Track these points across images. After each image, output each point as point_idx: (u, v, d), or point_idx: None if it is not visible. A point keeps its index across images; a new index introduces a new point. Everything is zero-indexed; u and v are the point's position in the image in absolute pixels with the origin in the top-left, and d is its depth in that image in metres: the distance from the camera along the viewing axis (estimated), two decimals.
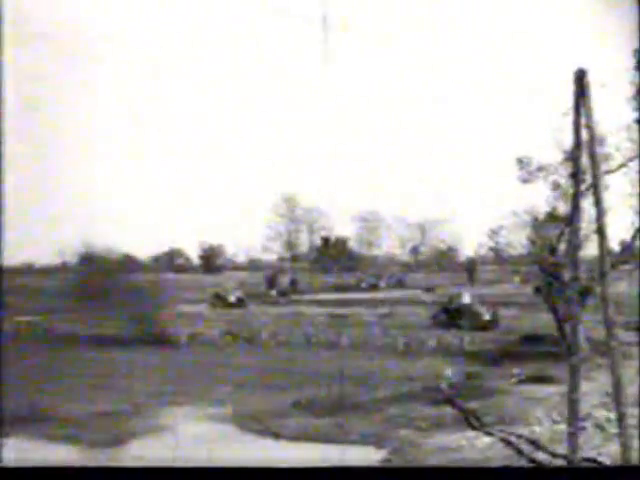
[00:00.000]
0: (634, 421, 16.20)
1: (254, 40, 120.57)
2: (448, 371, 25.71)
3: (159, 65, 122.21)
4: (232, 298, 58.75)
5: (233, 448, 17.36)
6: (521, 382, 24.77)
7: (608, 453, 14.57)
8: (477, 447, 16.28)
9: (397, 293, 72.40)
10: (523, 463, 14.46)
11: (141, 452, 16.74)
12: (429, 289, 77.27)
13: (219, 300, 58.51)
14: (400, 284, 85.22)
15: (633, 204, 26.18)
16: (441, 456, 15.45)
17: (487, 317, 42.33)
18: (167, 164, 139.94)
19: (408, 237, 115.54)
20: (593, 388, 20.59)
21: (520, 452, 15.41)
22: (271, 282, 76.88)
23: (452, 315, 42.81)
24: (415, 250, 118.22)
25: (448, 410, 20.59)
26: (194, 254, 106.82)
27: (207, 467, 11.48)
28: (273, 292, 73.14)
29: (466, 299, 44.11)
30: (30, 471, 11.77)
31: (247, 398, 22.72)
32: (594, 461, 14.16)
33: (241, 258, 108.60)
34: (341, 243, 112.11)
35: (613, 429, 15.14)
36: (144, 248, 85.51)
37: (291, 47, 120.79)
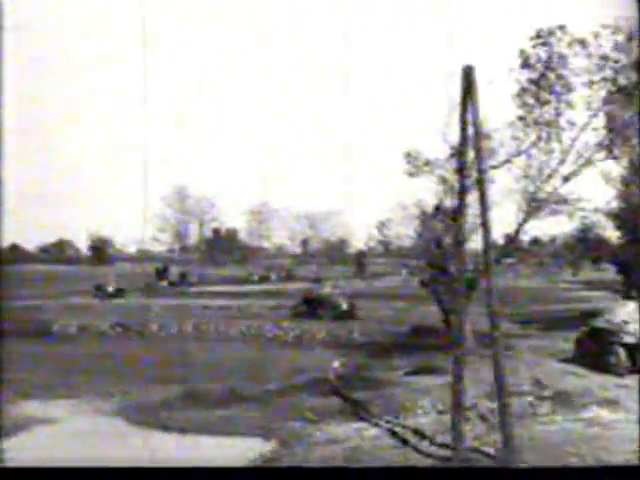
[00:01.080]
0: (514, 411, 16.66)
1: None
2: (336, 363, 25.89)
3: None
4: (110, 289, 58.65)
5: (120, 441, 17.14)
6: (408, 373, 25.10)
7: (491, 443, 14.85)
8: (365, 438, 16.44)
9: (287, 285, 72.47)
10: (408, 453, 14.67)
11: (21, 445, 16.37)
12: (318, 280, 77.72)
13: (99, 291, 58.25)
14: (290, 276, 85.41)
15: (517, 199, 26.81)
16: (329, 447, 15.54)
17: (345, 307, 44.03)
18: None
19: (299, 229, 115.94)
20: (478, 379, 21.00)
21: (406, 442, 15.61)
22: (161, 274, 76.08)
23: (312, 305, 44.34)
24: (305, 242, 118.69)
25: (336, 401, 20.73)
26: (84, 245, 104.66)
27: (207, 467, 11.39)
28: (164, 284, 72.44)
29: (325, 290, 45.73)
30: (30, 471, 11.67)
31: (136, 390, 22.45)
32: (477, 450, 14.42)
33: (131, 249, 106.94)
34: (232, 235, 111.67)
35: (496, 419, 15.44)
36: (32, 239, 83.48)
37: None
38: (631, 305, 27.31)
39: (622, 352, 24.74)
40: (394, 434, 16.49)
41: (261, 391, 22.37)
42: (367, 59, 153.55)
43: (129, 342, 34.28)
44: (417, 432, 16.49)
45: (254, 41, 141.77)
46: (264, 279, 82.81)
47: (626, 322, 25.64)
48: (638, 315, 26.06)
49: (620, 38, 25.37)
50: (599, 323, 26.71)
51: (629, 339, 24.85)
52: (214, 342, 34.01)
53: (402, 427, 17.08)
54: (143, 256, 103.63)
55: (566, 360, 27.10)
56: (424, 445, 15.32)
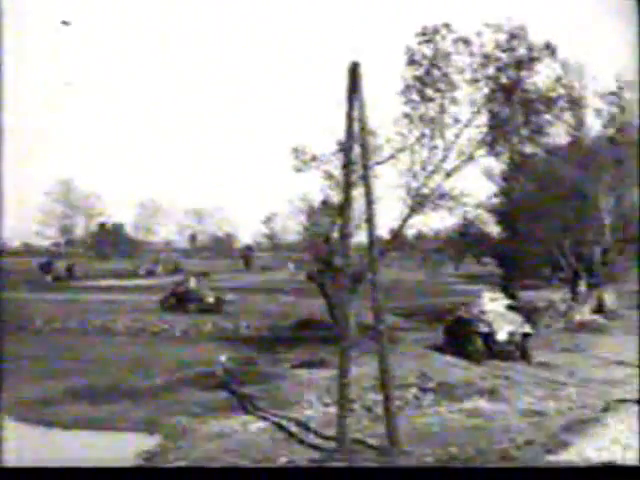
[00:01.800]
0: (400, 403, 16.96)
1: None
2: (223, 357, 25.82)
3: None
4: None
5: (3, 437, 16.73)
6: (295, 367, 25.23)
7: (375, 434, 15.06)
8: (251, 431, 16.46)
9: (174, 279, 71.86)
10: (294, 446, 14.75)
11: None
12: (203, 274, 77.38)
13: None
14: (177, 270, 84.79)
15: (401, 194, 27.19)
16: (215, 441, 15.51)
17: (211, 300, 44.93)
18: None
19: (186, 224, 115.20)
20: (363, 372, 21.26)
21: (292, 435, 15.70)
22: (45, 268, 74.44)
23: (180, 299, 45.07)
24: (193, 237, 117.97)
25: (223, 395, 20.70)
26: None
27: (208, 467, 11.11)
28: (48, 278, 70.97)
29: (192, 284, 46.52)
30: (30, 471, 11.36)
31: (20, 386, 21.94)
32: (362, 442, 14.60)
33: (15, 243, 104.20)
34: (118, 229, 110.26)
35: (380, 411, 15.67)
36: None
37: None
38: (489, 295, 29.15)
39: (479, 340, 26.49)
40: (280, 427, 16.56)
41: (147, 386, 22.16)
42: (254, 54, 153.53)
43: (12, 337, 33.43)
44: (303, 425, 16.60)
45: (135, 38, 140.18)
46: (151, 273, 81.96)
47: (483, 312, 27.55)
48: (495, 305, 28.27)
49: (502, 37, 26.00)
50: (460, 313, 28.83)
51: (484, 328, 26.65)
52: (99, 337, 33.51)
53: (288, 420, 17.17)
54: (28, 250, 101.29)
55: (437, 348, 28.63)
56: (310, 437, 15.43)
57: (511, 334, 26.84)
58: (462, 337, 27.51)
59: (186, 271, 73.60)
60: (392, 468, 10.14)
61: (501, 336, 26.74)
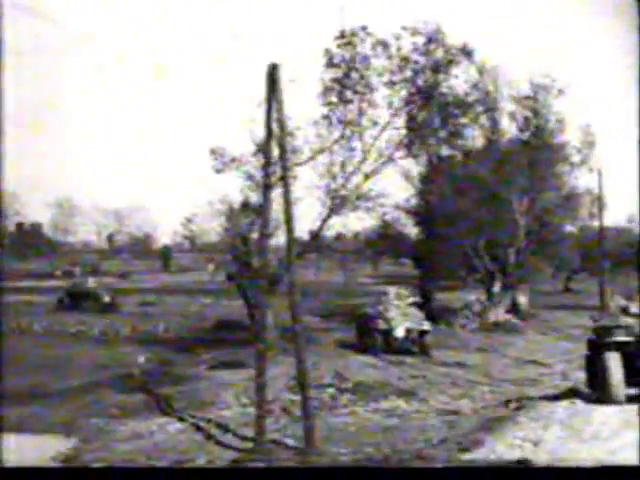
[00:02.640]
0: (317, 403, 17.08)
1: None
2: (141, 358, 25.64)
3: None
4: None
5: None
6: (213, 368, 25.18)
7: (293, 435, 15.12)
8: (168, 432, 16.40)
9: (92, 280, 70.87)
10: (212, 447, 14.74)
11: None
12: (123, 276, 76.64)
13: None
14: (95, 271, 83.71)
15: (320, 195, 27.36)
16: (132, 442, 15.41)
17: (107, 300, 45.91)
18: None
19: (104, 224, 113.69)
20: (281, 372, 21.35)
21: (210, 436, 15.69)
22: None
23: (76, 298, 45.84)
24: (111, 237, 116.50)
25: (141, 397, 20.55)
26: None
27: (208, 467, 10.86)
28: None
29: (89, 284, 46.96)
30: (30, 471, 11.00)
31: None
32: (279, 443, 14.65)
33: None
34: (36, 229, 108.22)
35: (297, 411, 15.76)
36: None
37: None
38: (394, 293, 30.79)
39: (378, 336, 28.26)
40: (198, 428, 16.53)
41: (64, 387, 21.87)
42: (172, 53, 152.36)
43: None
44: (220, 426, 16.60)
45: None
46: (68, 274, 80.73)
47: (386, 309, 29.19)
48: (398, 302, 29.91)
49: (420, 40, 26.34)
50: (366, 310, 30.55)
51: (383, 325, 28.35)
52: (15, 338, 32.92)
53: (206, 421, 17.14)
54: None
55: (348, 345, 29.80)
56: (228, 438, 15.44)
57: (409, 331, 28.50)
58: (365, 333, 29.31)
59: (104, 272, 72.85)
60: (391, 468, 10.16)
61: (398, 333, 28.39)
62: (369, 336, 28.93)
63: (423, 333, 28.72)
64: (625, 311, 17.82)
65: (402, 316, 28.95)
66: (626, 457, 11.99)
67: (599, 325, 17.54)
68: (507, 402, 18.95)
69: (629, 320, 17.15)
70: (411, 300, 30.76)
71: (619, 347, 16.45)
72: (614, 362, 16.27)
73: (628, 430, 13.93)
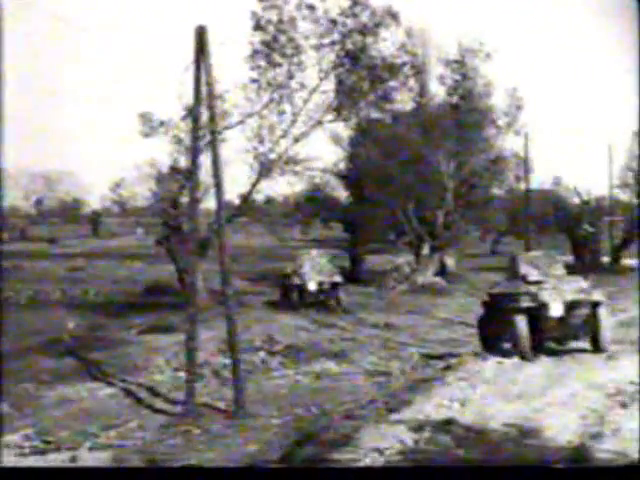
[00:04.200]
0: (246, 366, 17.18)
1: None
2: (70, 323, 25.44)
3: None
4: None
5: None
6: (143, 332, 25.09)
7: (223, 397, 15.20)
8: (98, 397, 16.34)
9: (20, 246, 69.82)
10: (143, 410, 14.76)
11: None
12: (52, 241, 75.65)
13: None
14: (24, 236, 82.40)
15: (249, 159, 27.33)
16: (61, 408, 15.32)
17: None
18: None
19: (32, 189, 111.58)
20: (212, 336, 21.38)
21: (140, 401, 15.68)
22: None
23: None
24: (39, 202, 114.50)
25: (70, 362, 20.40)
26: None
27: (208, 467, 10.66)
28: None
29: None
30: (30, 471, 10.72)
31: None
32: (210, 406, 14.71)
33: None
34: None
35: (228, 374, 15.83)
36: None
37: None
38: (312, 252, 33.93)
39: (295, 293, 31.13)
40: (129, 393, 16.51)
41: None
42: (101, 18, 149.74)
43: None
44: (151, 390, 16.60)
45: None
46: None
47: (300, 265, 31.67)
48: (315, 259, 32.41)
49: (345, 3, 26.38)
50: (285, 270, 32.79)
51: (297, 280, 31.10)
52: None
53: (136, 385, 17.12)
54: None
55: (277, 308, 30.77)
56: (158, 402, 15.45)
57: (320, 284, 31.13)
58: (285, 290, 31.87)
59: (33, 237, 71.84)
60: (391, 467, 10.22)
61: (311, 286, 31.01)
62: (288, 293, 31.59)
63: (335, 286, 31.41)
64: (524, 279, 18.91)
65: (314, 271, 31.31)
66: (551, 414, 12.34)
67: (503, 291, 19.41)
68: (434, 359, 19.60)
69: (531, 288, 18.55)
70: (330, 255, 34.10)
71: (523, 311, 18.24)
72: (522, 324, 18.07)
73: (553, 389, 14.34)
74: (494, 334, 19.63)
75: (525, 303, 18.31)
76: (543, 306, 18.33)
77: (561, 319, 18.44)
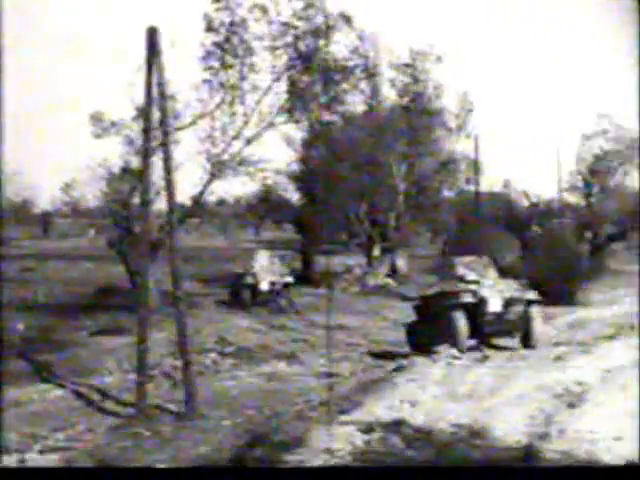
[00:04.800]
0: (197, 368, 17.17)
1: None
2: (20, 325, 25.18)
3: None
4: None
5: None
6: (94, 334, 24.92)
7: (174, 399, 15.18)
8: (48, 399, 16.24)
9: None
10: (92, 413, 14.69)
11: None
12: (0, 242, 74.70)
13: None
14: None
15: (201, 160, 27.26)
16: (11, 411, 15.17)
17: None
18: None
19: None
20: (163, 338, 21.30)
21: (90, 403, 15.61)
22: None
23: None
24: None
25: (20, 364, 20.20)
26: None
27: (209, 467, 10.50)
28: None
29: None
30: (30, 471, 10.69)
31: None
32: (161, 408, 14.68)
33: None
34: None
35: (179, 376, 15.81)
36: None
37: None
38: (264, 253, 34.78)
39: (247, 292, 31.51)
40: (79, 395, 16.42)
41: None
42: (51, 17, 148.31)
43: None
44: (101, 392, 16.53)
45: None
46: None
47: (252, 266, 32.38)
48: (266, 260, 33.29)
49: (298, 5, 26.44)
50: (237, 270, 33.51)
51: (249, 280, 31.66)
52: None
53: (87, 387, 17.03)
54: None
55: (224, 305, 31.29)
56: (108, 404, 15.40)
57: (272, 284, 31.78)
58: (236, 290, 32.02)
59: None
60: (390, 467, 10.21)
61: (263, 286, 31.57)
62: (238, 292, 31.84)
63: (287, 286, 32.52)
64: (462, 279, 20.23)
65: (266, 272, 32.01)
66: (499, 414, 12.51)
67: (441, 290, 20.51)
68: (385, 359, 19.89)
69: (470, 285, 19.89)
70: (279, 255, 34.87)
71: (462, 307, 19.54)
72: (461, 319, 19.37)
73: (501, 389, 14.53)
74: (426, 337, 20.49)
75: (465, 299, 19.53)
76: (482, 301, 19.59)
77: (498, 315, 19.75)
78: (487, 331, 19.90)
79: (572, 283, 32.51)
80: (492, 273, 21.11)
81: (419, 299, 21.88)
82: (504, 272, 23.17)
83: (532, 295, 20.64)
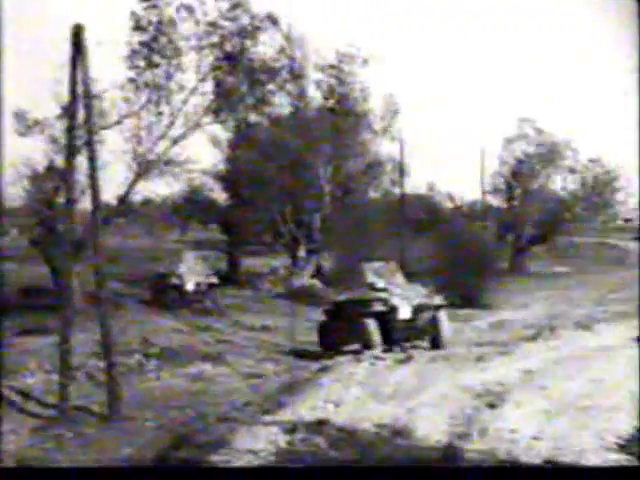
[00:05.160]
0: (121, 369, 17.05)
1: None
2: None
3: None
4: None
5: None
6: (16, 334, 24.50)
7: (98, 401, 15.04)
8: None
9: None
10: (14, 415, 14.49)
11: None
12: None
13: None
14: None
15: (127, 160, 27.06)
16: None
17: None
18: None
19: None
20: (87, 338, 21.04)
21: (12, 404, 15.39)
22: None
23: None
24: None
25: None
26: None
27: (209, 467, 10.18)
28: None
29: None
30: (30, 471, 10.43)
31: None
32: (84, 409, 14.55)
33: None
34: None
35: (103, 377, 15.68)
36: None
37: None
38: (190, 254, 35.62)
39: (172, 292, 32.10)
40: (0, 396, 16.16)
41: None
42: None
43: None
44: (24, 393, 16.30)
45: None
46: None
47: (177, 267, 33.14)
48: (192, 261, 34.03)
49: (225, 6, 26.42)
50: (159, 270, 34.37)
51: (175, 280, 32.30)
52: None
53: (9, 389, 16.77)
54: None
55: (148, 305, 31.32)
56: (30, 406, 15.20)
57: (198, 284, 32.48)
58: (161, 290, 32.52)
59: None
60: (389, 467, 10.14)
61: (189, 287, 32.26)
62: (164, 293, 32.24)
63: (211, 287, 33.30)
64: (372, 286, 21.15)
65: (192, 273, 32.75)
66: (421, 415, 12.69)
67: (353, 298, 21.40)
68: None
69: (380, 294, 20.84)
70: (200, 256, 35.56)
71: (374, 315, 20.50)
72: (374, 326, 20.34)
73: (424, 390, 14.73)
74: (338, 338, 21.44)
75: (377, 308, 20.46)
76: (393, 309, 20.52)
77: (408, 321, 20.71)
78: (398, 337, 20.77)
79: (479, 285, 32.81)
80: (399, 278, 22.25)
81: (331, 304, 22.46)
82: (411, 276, 24.08)
83: (439, 300, 21.61)
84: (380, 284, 21.10)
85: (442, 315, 21.48)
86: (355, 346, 20.74)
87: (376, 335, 20.23)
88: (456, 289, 29.46)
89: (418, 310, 20.86)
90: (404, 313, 20.61)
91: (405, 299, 20.85)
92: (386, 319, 20.46)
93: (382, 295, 20.71)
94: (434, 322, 21.23)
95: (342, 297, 22.14)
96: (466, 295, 31.14)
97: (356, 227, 36.99)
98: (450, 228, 41.85)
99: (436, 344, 21.18)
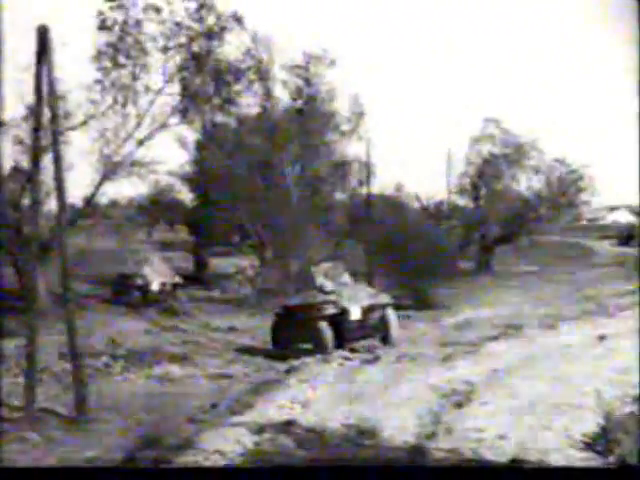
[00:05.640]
0: (90, 371, 16.99)
1: None
2: None
3: None
4: None
5: None
6: None
7: (64, 403, 14.97)
8: None
9: None
10: None
11: None
12: None
13: None
14: None
15: (93, 161, 26.97)
16: None
17: None
18: None
19: None
20: (53, 340, 20.93)
21: None
22: None
23: None
24: None
25: None
26: None
27: (177, 467, 10.03)
28: None
29: None
30: (30, 471, 10.18)
31: None
32: (51, 412, 14.48)
33: None
34: None
35: (69, 379, 15.60)
36: None
37: None
38: (154, 255, 36.96)
39: (136, 292, 33.28)
40: None
41: None
42: None
43: None
44: None
45: None
46: None
47: (141, 268, 33.99)
48: (156, 262, 35.02)
49: (192, 6, 26.40)
50: (123, 271, 35.10)
51: (139, 281, 33.45)
52: None
53: None
54: None
55: (115, 307, 31.55)
56: None
57: (163, 284, 33.79)
58: (124, 290, 33.36)
59: None
60: (389, 467, 10.10)
61: (154, 287, 33.42)
62: (127, 293, 33.12)
63: (176, 287, 34.56)
64: (321, 289, 21.62)
65: (157, 273, 33.78)
66: (389, 414, 12.76)
67: (303, 302, 21.70)
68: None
69: (330, 297, 21.25)
70: (164, 256, 36.69)
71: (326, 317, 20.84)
72: (326, 329, 20.70)
73: (391, 390, 14.81)
74: (291, 338, 21.86)
75: (329, 311, 20.84)
76: (344, 311, 20.96)
77: (359, 322, 21.26)
78: (349, 337, 21.25)
79: (429, 285, 32.91)
80: (345, 278, 22.74)
81: (282, 307, 22.67)
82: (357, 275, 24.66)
83: (386, 299, 22.29)
84: (329, 286, 21.62)
85: (390, 313, 22.13)
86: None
87: (329, 338, 20.64)
88: (404, 289, 30.13)
89: (368, 310, 21.40)
90: (355, 314, 21.10)
91: (354, 300, 21.34)
92: (337, 321, 20.90)
93: (332, 298, 21.17)
94: (383, 321, 21.91)
95: (293, 301, 22.57)
96: (416, 295, 31.50)
97: (293, 229, 37.41)
98: (396, 227, 41.81)
99: (386, 342, 21.79)
